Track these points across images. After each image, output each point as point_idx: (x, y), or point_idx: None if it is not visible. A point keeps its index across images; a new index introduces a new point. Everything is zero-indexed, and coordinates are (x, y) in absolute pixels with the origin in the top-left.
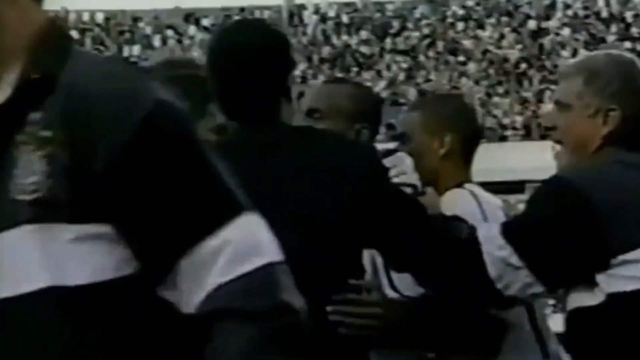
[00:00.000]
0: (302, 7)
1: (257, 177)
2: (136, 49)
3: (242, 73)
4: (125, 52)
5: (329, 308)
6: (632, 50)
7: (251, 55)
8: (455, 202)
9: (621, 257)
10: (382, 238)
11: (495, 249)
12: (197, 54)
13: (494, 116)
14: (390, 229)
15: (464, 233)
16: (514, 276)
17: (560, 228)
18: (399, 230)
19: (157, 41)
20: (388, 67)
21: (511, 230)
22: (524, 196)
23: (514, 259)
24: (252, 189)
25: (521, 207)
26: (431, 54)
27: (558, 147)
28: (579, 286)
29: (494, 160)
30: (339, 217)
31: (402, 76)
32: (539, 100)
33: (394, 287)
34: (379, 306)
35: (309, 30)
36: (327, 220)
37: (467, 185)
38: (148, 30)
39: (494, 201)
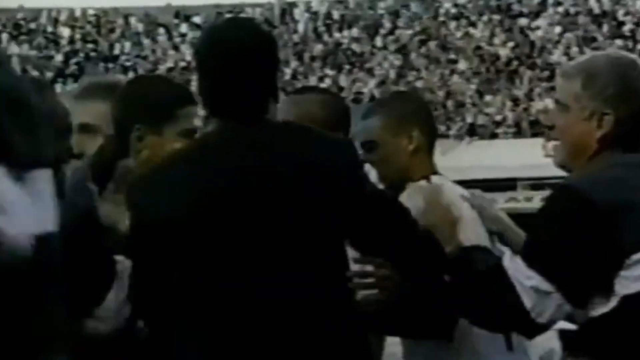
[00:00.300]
0: (293, 4)
1: (244, 173)
2: (127, 46)
3: (231, 71)
4: (117, 49)
5: (350, 285)
6: (624, 48)
7: (240, 54)
8: (417, 197)
9: (635, 257)
10: (364, 230)
11: (524, 279)
12: (189, 52)
13: (486, 114)
14: (373, 220)
15: (489, 263)
16: (547, 302)
17: (575, 238)
18: (382, 223)
19: (147, 39)
20: (379, 65)
21: (532, 256)
22: (516, 193)
23: (545, 285)
24: (239, 185)
25: (512, 205)
26: (423, 51)
27: (550, 144)
28: (598, 295)
29: (485, 157)
30: (325, 209)
31: (393, 74)
32: (530, 98)
33: None
34: (385, 267)
35: (300, 27)
36: (313, 213)
37: (434, 178)
38: (140, 27)
39: (458, 192)
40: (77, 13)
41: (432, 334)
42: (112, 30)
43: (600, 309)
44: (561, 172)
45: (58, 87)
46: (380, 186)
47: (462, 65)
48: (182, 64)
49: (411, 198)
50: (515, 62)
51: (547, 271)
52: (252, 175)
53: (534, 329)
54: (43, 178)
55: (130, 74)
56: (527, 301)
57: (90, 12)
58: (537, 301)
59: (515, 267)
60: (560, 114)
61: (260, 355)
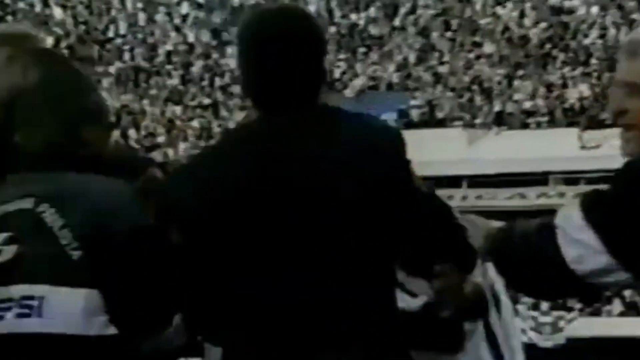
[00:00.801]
0: None
1: (274, 167)
2: (123, 27)
3: (273, 62)
4: (111, 30)
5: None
6: None
7: (282, 44)
8: None
9: None
10: (404, 224)
11: (574, 230)
12: (192, 34)
13: (515, 101)
14: (413, 214)
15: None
16: (595, 261)
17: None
18: (422, 217)
19: (145, 20)
20: (399, 49)
21: (592, 210)
22: (547, 188)
23: (595, 243)
24: (266, 180)
25: (543, 201)
26: (446, 33)
27: (586, 134)
28: None
29: (514, 149)
30: (360, 206)
31: (413, 58)
32: (564, 84)
33: (407, 291)
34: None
35: (312, 7)
36: (344, 210)
37: None
38: (137, 7)
39: None
40: None
41: (444, 348)
42: (106, 11)
43: None
44: (599, 165)
45: None
46: None
47: (488, 48)
48: (184, 46)
49: None
50: (547, 45)
51: (603, 231)
52: (283, 170)
53: (577, 284)
54: None
55: (127, 57)
56: (569, 252)
57: None
58: (584, 257)
59: (567, 220)
60: (631, 97)
61: (275, 354)
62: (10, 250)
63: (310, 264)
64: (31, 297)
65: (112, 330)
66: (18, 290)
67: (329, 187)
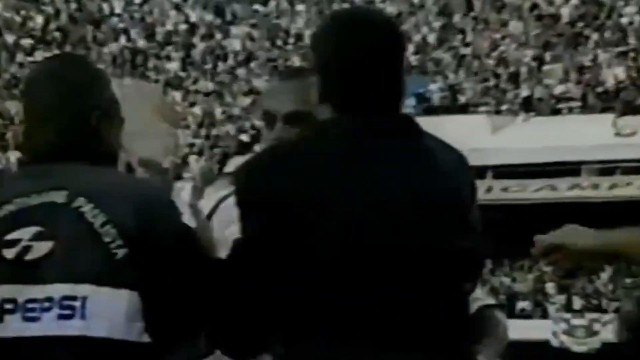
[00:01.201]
0: None
1: (349, 169)
2: (118, 6)
3: (357, 70)
4: (106, 9)
5: None
6: None
7: (369, 53)
8: None
9: None
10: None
11: None
12: (194, 13)
13: (545, 85)
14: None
15: None
16: None
17: None
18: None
19: None
20: (417, 28)
21: None
22: (580, 179)
23: None
24: (343, 181)
25: (576, 192)
26: (470, 12)
27: (621, 120)
28: None
29: (544, 137)
30: (448, 204)
31: (433, 39)
32: (598, 66)
33: None
34: None
35: None
36: (440, 204)
37: None
38: None
39: None
40: None
41: None
42: None
43: None
44: (636, 154)
45: (38, 55)
46: None
47: (515, 27)
48: (184, 26)
49: None
50: (579, 24)
51: None
52: (359, 173)
53: None
54: None
55: (122, 39)
56: None
57: None
58: None
59: None
60: None
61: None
62: (42, 247)
63: (386, 266)
64: (73, 298)
65: (145, 338)
66: (58, 289)
67: (419, 190)
